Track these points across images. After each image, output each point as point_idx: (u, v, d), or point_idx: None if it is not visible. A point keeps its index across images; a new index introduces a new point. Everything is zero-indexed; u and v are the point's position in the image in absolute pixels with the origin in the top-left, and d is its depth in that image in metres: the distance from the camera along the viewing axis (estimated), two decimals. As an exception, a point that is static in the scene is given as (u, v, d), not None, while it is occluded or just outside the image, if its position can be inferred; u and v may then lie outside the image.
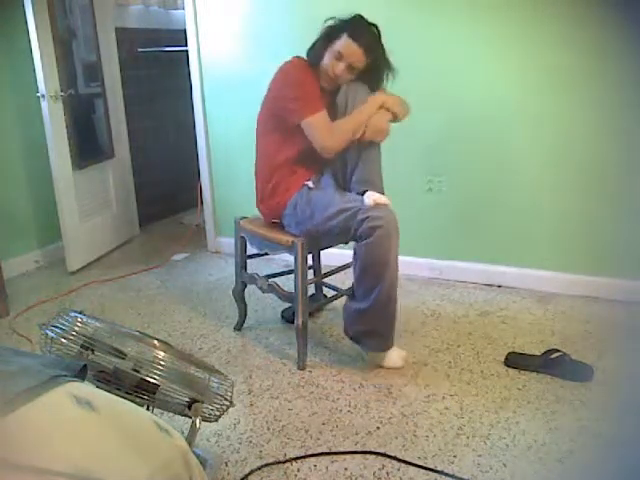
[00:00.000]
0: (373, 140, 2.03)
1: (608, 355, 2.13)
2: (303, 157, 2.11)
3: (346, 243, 2.14)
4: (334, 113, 2.07)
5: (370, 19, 2.02)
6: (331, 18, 2.05)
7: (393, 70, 2.07)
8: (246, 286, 2.39)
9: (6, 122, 3.08)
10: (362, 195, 1.99)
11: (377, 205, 1.93)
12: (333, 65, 2.02)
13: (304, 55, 2.11)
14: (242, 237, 2.30)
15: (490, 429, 1.75)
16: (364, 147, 2.04)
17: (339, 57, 2.00)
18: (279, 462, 1.63)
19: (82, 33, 3.38)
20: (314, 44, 2.10)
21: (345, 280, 2.41)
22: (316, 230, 2.03)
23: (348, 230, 1.95)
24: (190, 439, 1.29)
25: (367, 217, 1.90)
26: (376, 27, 2.03)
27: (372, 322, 2.04)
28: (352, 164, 2.07)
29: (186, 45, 3.24)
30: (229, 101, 3.19)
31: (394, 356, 2.10)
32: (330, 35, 2.04)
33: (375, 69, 2.05)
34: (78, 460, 0.87)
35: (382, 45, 2.04)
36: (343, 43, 1.99)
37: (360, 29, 2.01)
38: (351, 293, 2.08)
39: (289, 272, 2.32)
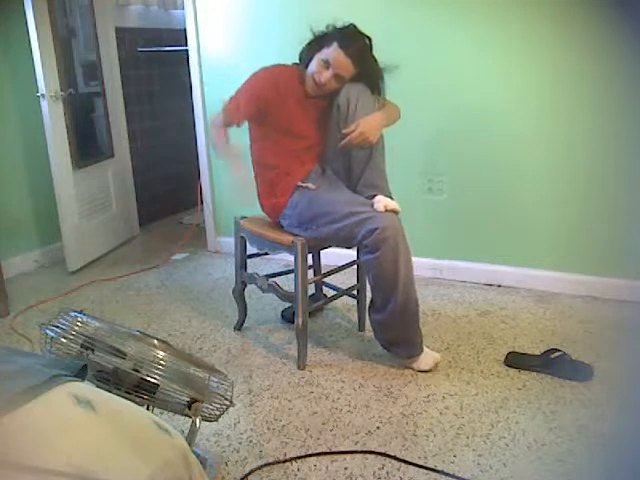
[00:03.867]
0: (361, 145, 1.98)
1: (608, 355, 2.13)
2: (293, 157, 2.11)
3: (349, 248, 2.14)
4: (330, 116, 2.06)
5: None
6: (326, 26, 2.04)
7: (384, 83, 2.04)
8: (246, 286, 2.39)
9: (6, 122, 3.08)
10: (371, 199, 1.97)
11: (386, 211, 1.91)
12: (319, 73, 2.00)
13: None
14: (242, 237, 2.30)
15: (490, 429, 1.75)
16: (372, 150, 2.01)
17: (327, 65, 1.99)
18: (279, 462, 1.63)
19: (82, 33, 3.38)
20: (304, 48, 2.08)
21: (345, 280, 2.41)
22: (318, 232, 2.02)
23: (353, 237, 1.94)
24: (190, 439, 1.29)
25: (376, 228, 1.87)
26: (369, 38, 2.01)
27: (394, 331, 2.04)
28: (358, 168, 2.05)
29: (186, 45, 3.24)
30: (229, 101, 3.18)
31: (424, 360, 2.06)
32: (320, 42, 2.02)
33: (363, 80, 2.02)
34: (78, 460, 0.87)
35: (373, 57, 2.01)
36: (332, 52, 1.98)
37: (351, 39, 1.98)
38: (371, 303, 2.08)
39: (289, 272, 2.32)
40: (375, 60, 2.02)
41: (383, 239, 1.87)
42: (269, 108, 2.05)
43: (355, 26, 2.01)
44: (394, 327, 2.02)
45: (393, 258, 1.90)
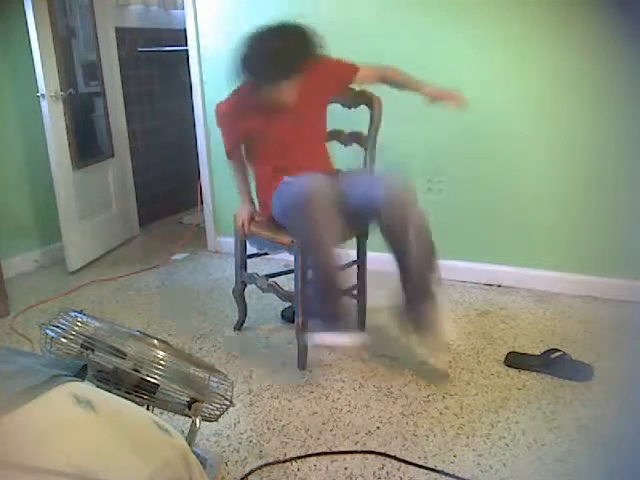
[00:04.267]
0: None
1: (608, 355, 2.13)
2: (286, 163, 2.10)
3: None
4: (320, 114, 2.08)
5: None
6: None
7: (320, 45, 1.94)
8: (246, 286, 2.39)
9: (6, 122, 3.08)
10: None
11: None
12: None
13: None
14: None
15: (490, 429, 1.75)
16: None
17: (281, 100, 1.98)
18: (279, 462, 1.63)
19: (82, 33, 3.38)
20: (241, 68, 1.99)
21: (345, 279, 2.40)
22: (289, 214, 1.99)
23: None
24: (190, 439, 1.29)
25: (294, 196, 1.86)
26: (299, 28, 1.93)
27: (312, 301, 1.99)
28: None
29: (186, 45, 3.24)
30: (229, 101, 3.18)
31: (334, 336, 1.91)
32: (258, 77, 1.96)
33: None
34: (78, 460, 0.87)
35: (308, 43, 1.92)
36: (277, 89, 1.95)
37: (284, 62, 1.90)
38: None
39: (289, 272, 2.32)
40: (310, 44, 1.91)
41: (297, 206, 1.84)
42: (251, 124, 2.06)
43: (275, 33, 1.94)
44: (313, 297, 1.98)
45: (307, 225, 1.84)
